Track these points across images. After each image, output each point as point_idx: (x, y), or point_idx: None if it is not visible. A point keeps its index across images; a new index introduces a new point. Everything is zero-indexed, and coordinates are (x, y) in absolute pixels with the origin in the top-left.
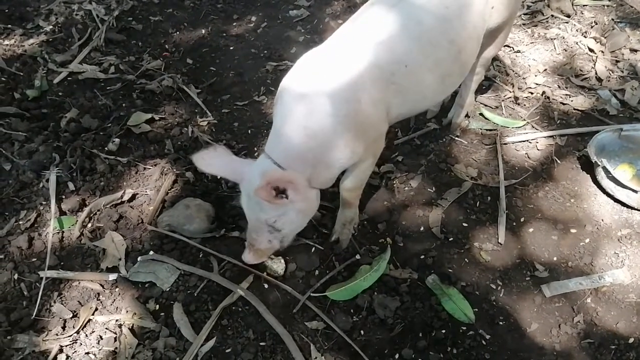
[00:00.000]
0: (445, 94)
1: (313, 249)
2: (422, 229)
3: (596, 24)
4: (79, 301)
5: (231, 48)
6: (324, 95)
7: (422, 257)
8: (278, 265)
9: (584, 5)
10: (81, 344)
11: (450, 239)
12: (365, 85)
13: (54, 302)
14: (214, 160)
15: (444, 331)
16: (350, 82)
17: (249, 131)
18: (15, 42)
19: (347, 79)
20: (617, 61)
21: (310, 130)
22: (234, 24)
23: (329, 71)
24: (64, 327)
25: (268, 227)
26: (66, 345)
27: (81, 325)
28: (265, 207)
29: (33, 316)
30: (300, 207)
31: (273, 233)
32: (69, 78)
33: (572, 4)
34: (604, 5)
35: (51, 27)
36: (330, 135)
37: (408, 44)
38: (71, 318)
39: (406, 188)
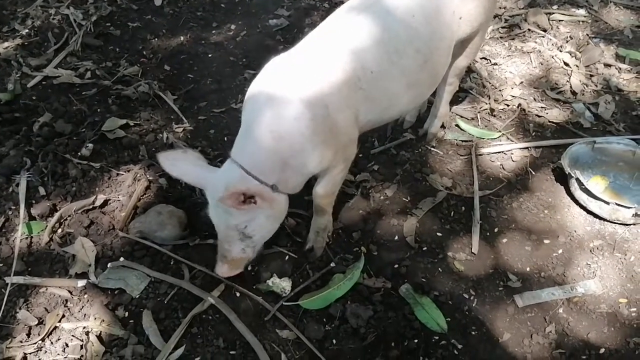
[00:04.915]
0: (415, 102)
1: (287, 257)
2: (396, 238)
3: (571, 38)
4: (45, 308)
5: (210, 55)
6: (291, 100)
7: (396, 266)
8: (287, 283)
9: (559, 20)
10: (46, 352)
11: (424, 249)
12: (332, 90)
13: (20, 308)
14: (179, 163)
15: (416, 341)
16: (317, 86)
17: (225, 138)
18: None
19: (314, 84)
20: (592, 75)
21: (277, 134)
22: (213, 31)
23: (296, 76)
24: (28, 334)
25: (239, 234)
26: (30, 353)
27: (47, 333)
28: (234, 212)
29: None
30: (269, 212)
31: (245, 240)
32: (43, 82)
33: (549, 19)
34: (579, 21)
35: (27, 30)
36: (297, 139)
37: (374, 51)
38: (37, 325)
39: (381, 197)
